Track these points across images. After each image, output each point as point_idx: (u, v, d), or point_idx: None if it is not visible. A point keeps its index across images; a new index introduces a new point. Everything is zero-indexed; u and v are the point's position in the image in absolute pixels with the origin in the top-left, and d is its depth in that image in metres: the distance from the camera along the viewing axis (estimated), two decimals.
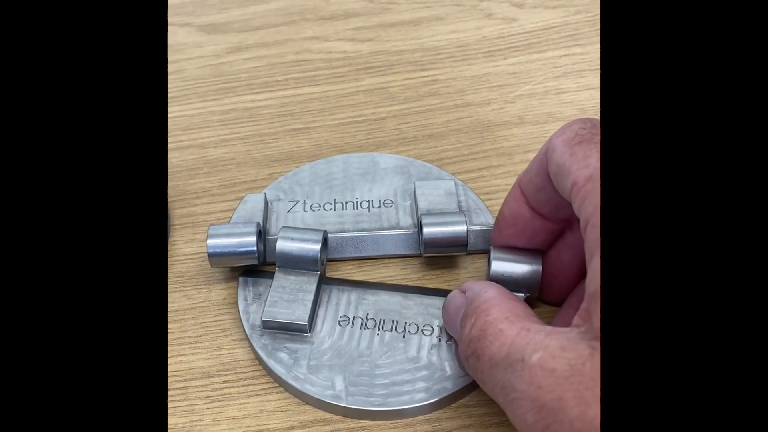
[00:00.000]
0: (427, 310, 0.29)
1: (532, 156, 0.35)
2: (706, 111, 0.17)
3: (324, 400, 0.26)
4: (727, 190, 0.17)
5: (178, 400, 0.27)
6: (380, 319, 0.28)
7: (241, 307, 0.29)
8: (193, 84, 0.40)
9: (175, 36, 0.43)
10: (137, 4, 0.19)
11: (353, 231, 0.31)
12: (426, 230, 0.29)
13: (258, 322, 0.28)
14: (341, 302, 0.29)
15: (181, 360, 0.28)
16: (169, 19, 0.44)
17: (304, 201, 0.33)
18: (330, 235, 0.31)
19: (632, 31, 0.18)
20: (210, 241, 0.29)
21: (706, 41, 0.17)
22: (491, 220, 0.31)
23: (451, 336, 0.27)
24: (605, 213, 0.18)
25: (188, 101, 0.38)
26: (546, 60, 0.40)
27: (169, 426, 0.26)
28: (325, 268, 0.30)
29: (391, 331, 0.28)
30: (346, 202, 0.33)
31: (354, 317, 0.28)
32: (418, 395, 0.26)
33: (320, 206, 0.33)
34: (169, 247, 0.32)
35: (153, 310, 0.18)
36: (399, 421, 0.26)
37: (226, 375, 0.27)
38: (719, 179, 0.17)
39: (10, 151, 0.17)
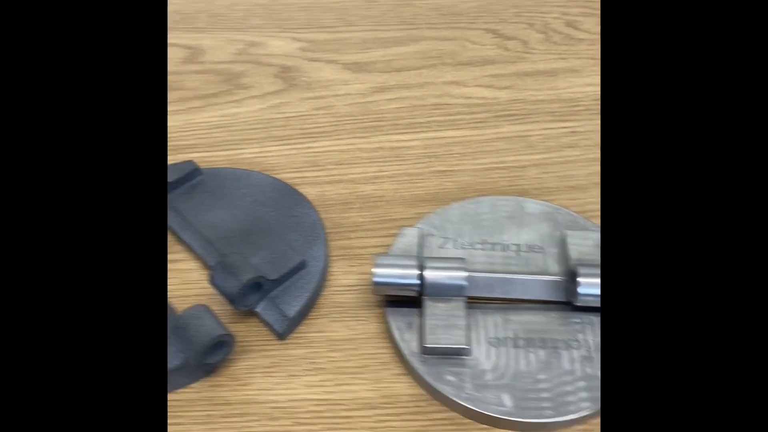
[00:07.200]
0: (570, 326, 0.30)
1: None
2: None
3: (497, 416, 0.27)
4: None
5: (345, 428, 0.28)
6: (529, 338, 0.30)
7: (396, 337, 0.30)
8: (343, 120, 0.41)
9: (322, 72, 0.45)
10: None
11: (504, 272, 0.32)
12: (582, 280, 0.30)
13: (416, 350, 0.29)
14: (488, 324, 0.30)
15: (346, 389, 0.29)
16: (315, 55, 0.46)
17: (455, 239, 0.34)
18: (481, 275, 0.32)
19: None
20: (376, 270, 0.30)
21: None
22: None
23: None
24: None
25: (338, 137, 0.40)
26: None
27: None
28: None
29: (543, 348, 0.29)
30: (495, 244, 0.34)
31: (504, 338, 0.30)
32: (584, 404, 0.27)
33: (471, 245, 0.34)
34: (328, 278, 0.33)
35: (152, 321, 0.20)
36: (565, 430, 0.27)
37: (388, 408, 0.28)
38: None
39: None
